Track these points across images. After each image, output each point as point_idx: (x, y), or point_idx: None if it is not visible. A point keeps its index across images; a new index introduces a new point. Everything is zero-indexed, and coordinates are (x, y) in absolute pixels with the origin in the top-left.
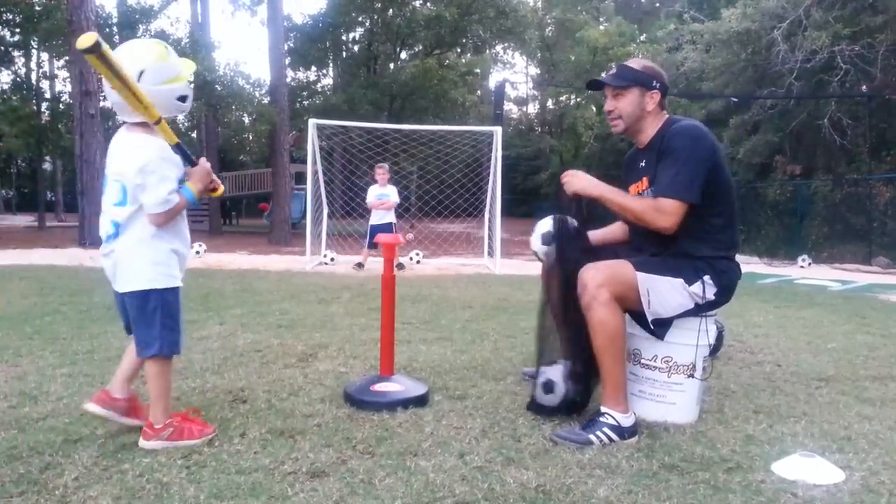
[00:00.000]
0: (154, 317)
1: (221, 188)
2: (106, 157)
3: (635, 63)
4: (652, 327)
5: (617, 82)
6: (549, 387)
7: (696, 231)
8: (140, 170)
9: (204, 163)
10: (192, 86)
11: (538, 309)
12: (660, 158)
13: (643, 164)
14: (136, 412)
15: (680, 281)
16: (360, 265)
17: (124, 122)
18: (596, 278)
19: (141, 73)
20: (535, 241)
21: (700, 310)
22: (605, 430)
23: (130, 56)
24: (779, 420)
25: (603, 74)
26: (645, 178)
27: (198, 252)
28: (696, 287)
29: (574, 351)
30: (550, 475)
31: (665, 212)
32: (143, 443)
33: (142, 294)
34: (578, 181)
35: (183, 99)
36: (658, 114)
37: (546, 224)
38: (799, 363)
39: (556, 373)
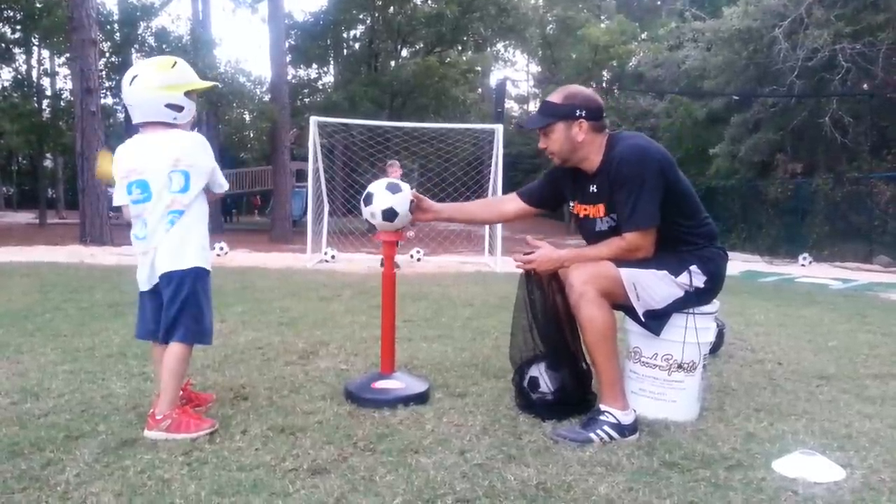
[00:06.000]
0: (187, 300)
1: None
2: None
3: (557, 95)
4: (644, 320)
5: (534, 123)
6: (534, 384)
7: (670, 234)
8: (211, 155)
9: None
10: (193, 101)
11: (514, 306)
12: (612, 187)
13: (594, 190)
14: (196, 399)
15: (664, 272)
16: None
17: (142, 124)
18: (581, 276)
19: (133, 79)
20: (402, 204)
21: (691, 299)
22: (606, 427)
23: (137, 64)
24: (780, 418)
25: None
26: (601, 206)
27: (218, 254)
28: (684, 277)
29: (547, 343)
30: (551, 472)
31: (638, 246)
32: (146, 432)
33: (192, 272)
34: (549, 262)
35: (173, 107)
36: (595, 139)
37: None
38: (800, 361)
39: (537, 369)
